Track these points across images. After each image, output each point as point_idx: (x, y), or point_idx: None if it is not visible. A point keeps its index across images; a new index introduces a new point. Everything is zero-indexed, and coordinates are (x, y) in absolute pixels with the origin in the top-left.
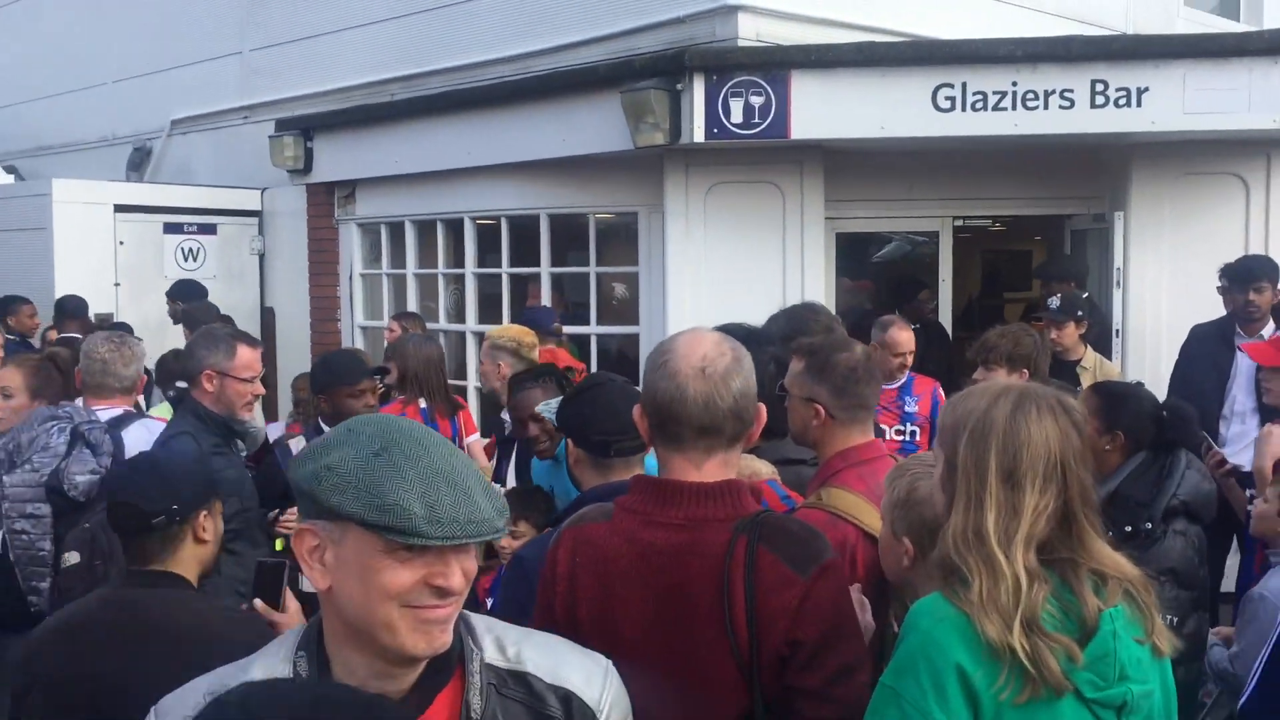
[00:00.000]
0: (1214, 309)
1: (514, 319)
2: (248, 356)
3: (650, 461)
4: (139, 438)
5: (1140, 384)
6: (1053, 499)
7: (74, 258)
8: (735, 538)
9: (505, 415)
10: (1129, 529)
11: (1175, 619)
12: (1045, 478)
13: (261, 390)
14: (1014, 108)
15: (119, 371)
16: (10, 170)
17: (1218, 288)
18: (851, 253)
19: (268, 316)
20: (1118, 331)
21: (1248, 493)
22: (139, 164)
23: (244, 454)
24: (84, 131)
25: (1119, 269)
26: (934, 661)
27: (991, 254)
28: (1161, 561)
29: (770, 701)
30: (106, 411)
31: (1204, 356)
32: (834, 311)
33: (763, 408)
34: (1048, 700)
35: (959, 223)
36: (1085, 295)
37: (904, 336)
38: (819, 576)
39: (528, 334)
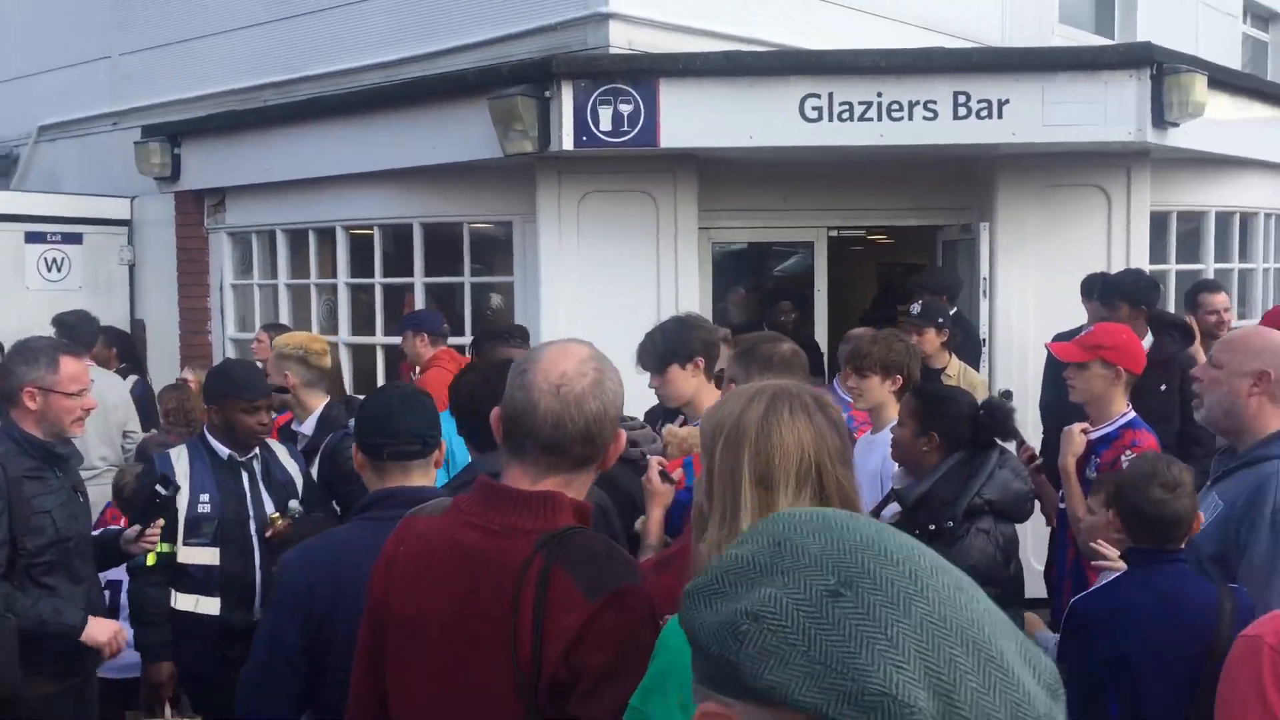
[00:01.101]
0: (1080, 318)
1: (387, 330)
2: (73, 368)
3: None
4: None
5: (1008, 392)
6: (808, 501)
7: None
8: (535, 552)
9: (295, 426)
10: (932, 528)
11: None
12: (799, 479)
13: (92, 403)
14: (879, 118)
15: None
16: None
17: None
18: (751, 265)
19: (137, 328)
20: (984, 341)
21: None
22: (5, 171)
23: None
24: None
25: (985, 279)
26: (684, 682)
27: (886, 266)
28: (963, 559)
29: None
30: None
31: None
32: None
33: (621, 434)
34: None
35: (834, 233)
36: (954, 310)
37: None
38: (609, 604)
39: (316, 340)
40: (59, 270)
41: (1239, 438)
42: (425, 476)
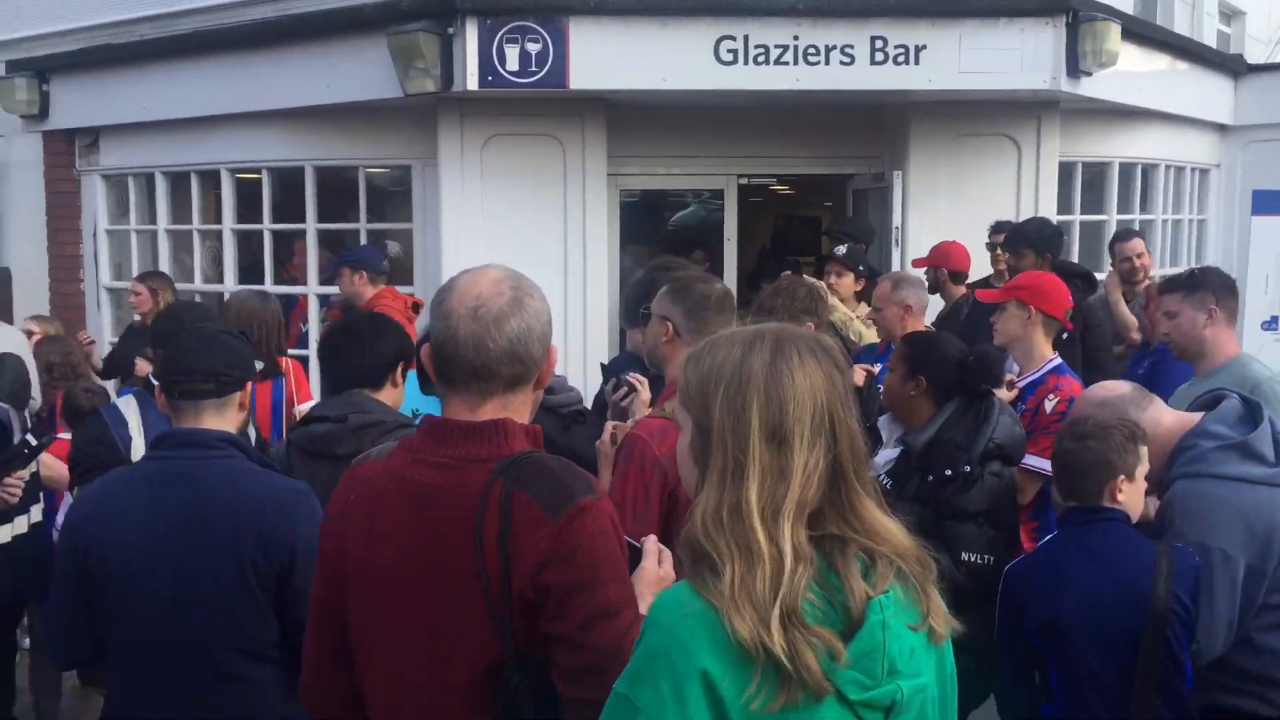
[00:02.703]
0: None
1: (276, 279)
2: None
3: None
4: None
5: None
6: (822, 455)
7: None
8: (493, 479)
9: None
10: (949, 473)
11: (991, 559)
12: (814, 431)
13: None
14: (795, 62)
15: None
16: None
17: (985, 244)
18: (646, 215)
19: (3, 276)
20: None
21: None
22: None
23: None
24: None
25: (897, 228)
26: (675, 666)
27: (783, 219)
28: (979, 503)
29: (522, 648)
30: None
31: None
32: (619, 274)
33: (553, 350)
34: (805, 705)
35: (744, 181)
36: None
37: None
38: (573, 518)
39: None
40: None
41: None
42: (220, 418)
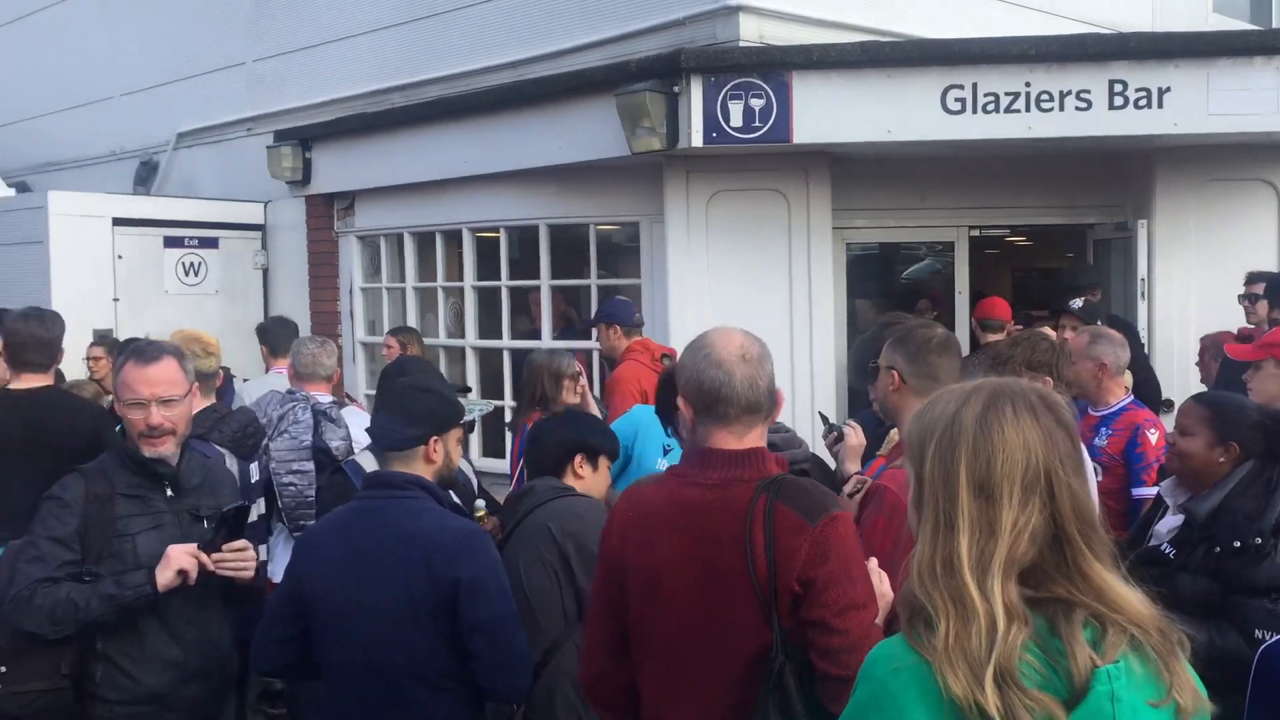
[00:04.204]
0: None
1: (514, 333)
2: (130, 375)
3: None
4: (356, 420)
5: (1169, 401)
6: (1036, 513)
7: (71, 271)
8: (757, 495)
9: None
10: (1237, 545)
11: None
12: (1026, 487)
13: (158, 420)
14: (1028, 109)
15: (324, 362)
16: (20, 186)
17: (1240, 296)
18: (877, 269)
19: (291, 327)
20: (1144, 344)
21: None
22: (145, 178)
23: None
24: (93, 146)
25: (1143, 279)
26: (886, 719)
27: (1021, 272)
28: (1272, 578)
29: (788, 634)
30: (321, 396)
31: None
32: (847, 328)
33: (781, 390)
34: None
35: (975, 233)
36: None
37: None
38: (827, 524)
39: (200, 340)
40: (196, 274)
41: None
42: (408, 467)
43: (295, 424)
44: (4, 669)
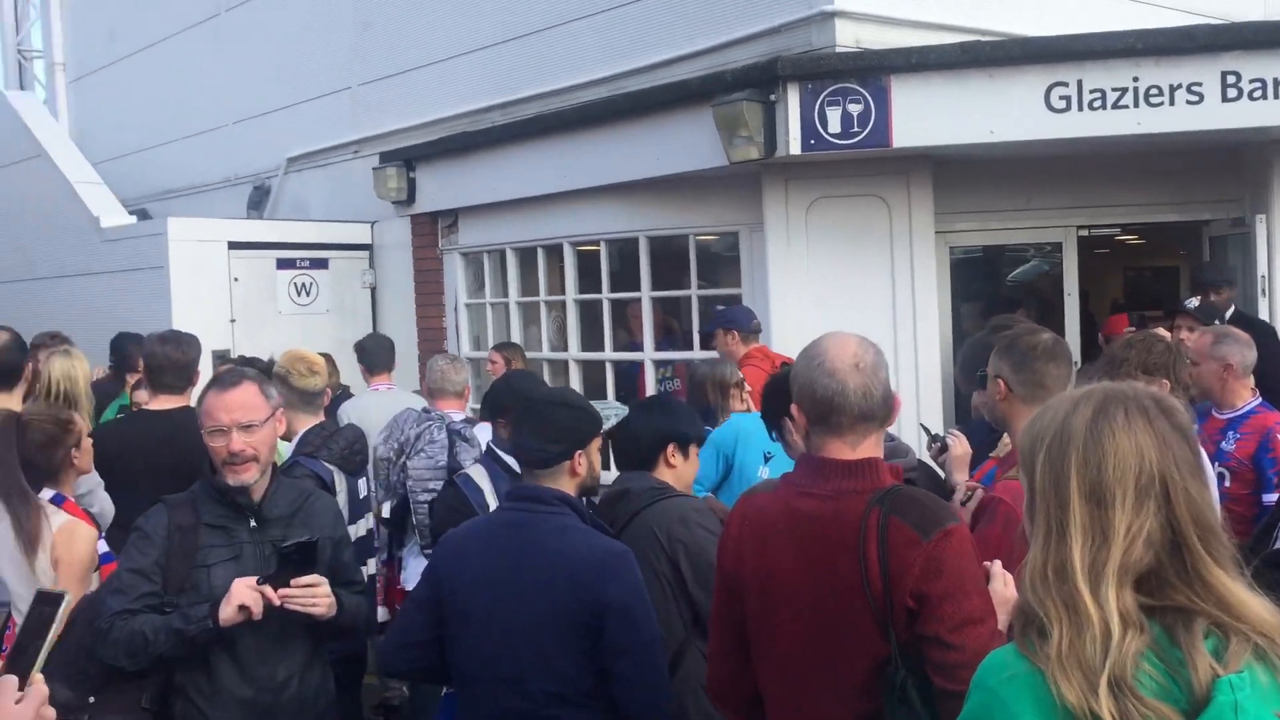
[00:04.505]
0: None
1: (616, 344)
2: (210, 402)
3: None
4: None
5: None
6: (1151, 518)
7: (190, 295)
8: (870, 507)
9: None
10: None
11: None
12: (1140, 492)
13: (239, 446)
14: (1136, 105)
15: (453, 378)
16: (141, 214)
17: None
18: (981, 272)
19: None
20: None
21: None
22: (258, 202)
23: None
24: (208, 173)
25: (1264, 276)
26: None
27: (1133, 271)
28: None
29: (904, 647)
30: (454, 414)
31: None
32: (953, 333)
33: (898, 395)
34: None
35: (1084, 233)
36: (1232, 309)
37: None
38: (941, 539)
39: (305, 360)
40: (307, 294)
41: None
42: (554, 481)
43: (431, 443)
44: (93, 699)
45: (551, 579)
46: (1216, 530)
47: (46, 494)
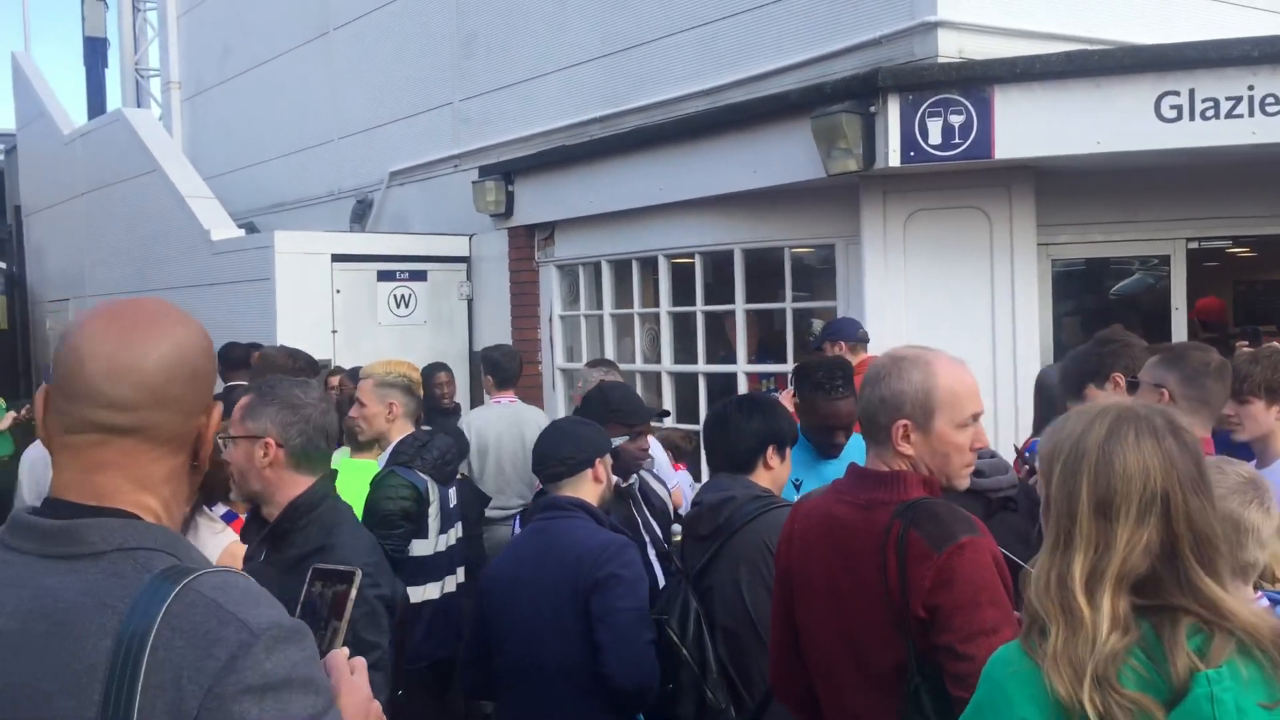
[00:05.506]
0: None
1: (709, 357)
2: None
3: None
4: None
5: None
6: (1151, 530)
7: (294, 306)
8: (894, 519)
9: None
10: None
11: None
12: (1142, 508)
13: (240, 459)
14: (1251, 114)
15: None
16: (249, 227)
17: None
18: (1084, 285)
19: (475, 361)
20: None
21: None
22: (361, 215)
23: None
24: (313, 187)
25: None
26: (1000, 715)
27: (1244, 284)
28: None
29: (921, 654)
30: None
31: None
32: (1054, 347)
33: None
34: None
35: (1193, 245)
36: None
37: None
38: (953, 552)
39: (414, 369)
40: (407, 306)
41: None
42: (576, 490)
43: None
44: None
45: (560, 569)
46: (1214, 541)
47: (219, 510)
